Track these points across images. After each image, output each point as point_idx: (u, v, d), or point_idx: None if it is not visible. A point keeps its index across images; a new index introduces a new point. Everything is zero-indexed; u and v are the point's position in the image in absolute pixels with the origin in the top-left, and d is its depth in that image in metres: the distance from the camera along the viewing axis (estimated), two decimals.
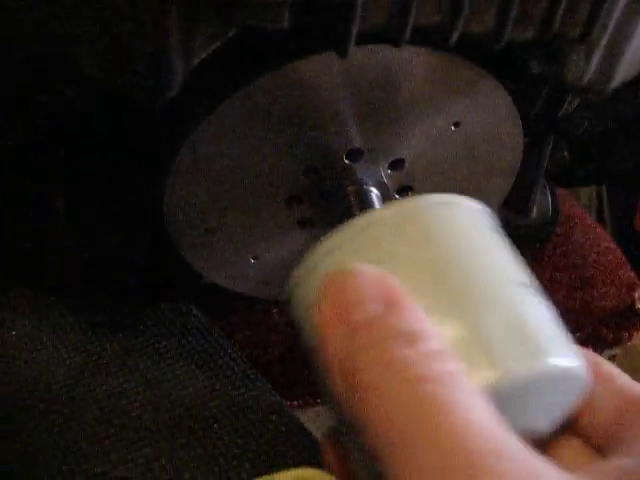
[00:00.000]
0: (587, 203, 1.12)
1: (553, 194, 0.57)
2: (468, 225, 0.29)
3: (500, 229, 0.30)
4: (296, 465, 0.41)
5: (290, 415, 0.44)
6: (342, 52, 0.28)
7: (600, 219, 1.14)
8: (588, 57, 0.33)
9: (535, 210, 0.56)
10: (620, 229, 1.14)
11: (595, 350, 0.60)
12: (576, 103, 0.45)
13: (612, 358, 0.61)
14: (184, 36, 0.29)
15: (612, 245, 0.60)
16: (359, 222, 0.28)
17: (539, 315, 0.27)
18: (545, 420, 0.28)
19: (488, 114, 0.39)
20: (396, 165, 0.40)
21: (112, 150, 0.39)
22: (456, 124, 0.39)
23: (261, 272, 0.45)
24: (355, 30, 0.27)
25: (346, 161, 0.39)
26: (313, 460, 0.41)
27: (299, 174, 0.39)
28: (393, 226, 0.28)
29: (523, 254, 0.58)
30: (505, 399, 0.24)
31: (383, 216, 0.28)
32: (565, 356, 0.26)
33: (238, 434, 0.43)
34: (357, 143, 0.38)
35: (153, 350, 0.46)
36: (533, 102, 0.44)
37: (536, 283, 0.28)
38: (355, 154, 0.39)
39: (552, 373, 0.25)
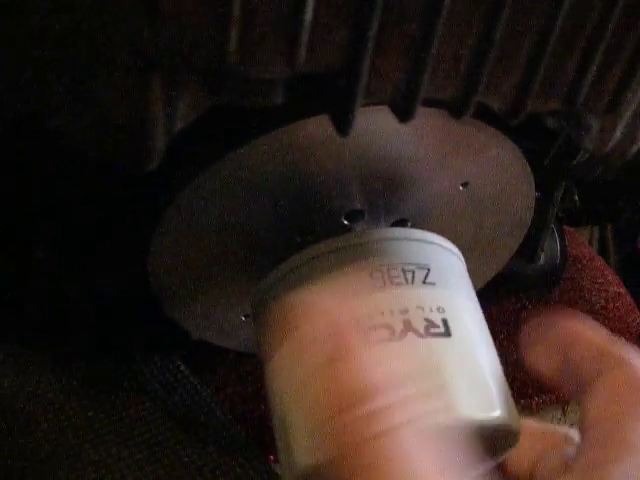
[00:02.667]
0: (589, 227, 1.10)
1: (561, 238, 0.54)
2: None
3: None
4: None
5: None
6: (343, 132, 0.25)
7: (603, 242, 1.12)
8: (612, 127, 0.30)
9: (542, 256, 0.53)
10: (623, 252, 1.12)
11: None
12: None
13: None
14: (166, 104, 0.26)
15: (621, 290, 0.57)
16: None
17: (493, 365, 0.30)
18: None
19: (499, 173, 0.37)
20: (398, 225, 0.37)
21: (95, 205, 0.36)
22: (464, 184, 0.36)
23: (252, 328, 0.42)
24: (357, 109, 0.24)
25: (345, 222, 0.36)
26: None
27: (294, 235, 0.36)
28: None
29: (530, 300, 0.55)
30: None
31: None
32: (509, 412, 0.28)
33: None
34: (357, 204, 0.36)
35: (137, 412, 0.43)
36: (545, 154, 0.41)
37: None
38: (355, 215, 0.36)
39: (497, 424, 0.28)
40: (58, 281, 0.42)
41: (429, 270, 0.31)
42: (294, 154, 0.32)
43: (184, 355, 0.47)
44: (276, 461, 0.48)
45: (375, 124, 0.32)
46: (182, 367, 0.45)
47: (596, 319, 0.55)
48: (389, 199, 0.36)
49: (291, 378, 0.29)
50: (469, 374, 0.28)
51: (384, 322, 0.28)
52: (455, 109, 0.26)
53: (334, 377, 0.25)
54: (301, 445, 0.28)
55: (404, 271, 0.30)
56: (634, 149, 0.33)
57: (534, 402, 0.52)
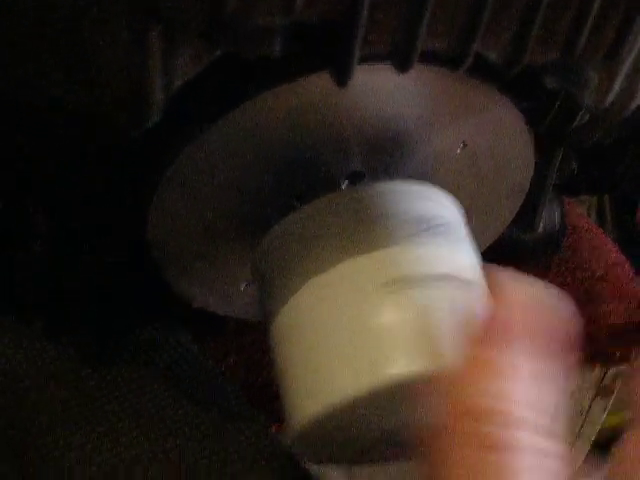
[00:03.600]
0: (588, 200, 1.10)
1: (560, 206, 0.54)
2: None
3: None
4: None
5: (286, 452, 0.41)
6: (341, 82, 0.25)
7: (601, 216, 1.12)
8: (611, 79, 0.30)
9: (541, 224, 0.53)
10: (621, 226, 1.12)
11: (602, 367, 0.58)
12: (588, 116, 0.42)
13: (618, 375, 0.59)
14: (165, 58, 0.26)
15: (620, 258, 0.58)
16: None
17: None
18: None
19: (498, 134, 0.36)
20: None
21: (93, 169, 0.36)
22: (463, 145, 0.36)
23: (253, 295, 0.43)
24: (356, 59, 0.24)
25: (346, 183, 0.36)
26: None
27: (294, 199, 0.36)
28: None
29: (530, 269, 0.55)
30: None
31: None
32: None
33: (229, 470, 0.41)
34: (357, 166, 0.36)
35: (139, 381, 0.44)
36: (544, 116, 0.41)
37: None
38: (355, 177, 0.36)
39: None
40: (55, 252, 0.42)
41: (429, 221, 0.31)
42: (293, 113, 0.32)
43: (185, 325, 0.47)
44: (278, 430, 0.49)
45: (374, 83, 0.32)
46: (183, 336, 0.45)
47: (596, 287, 0.56)
48: (388, 160, 0.36)
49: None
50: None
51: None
52: (453, 60, 0.26)
53: None
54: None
55: (403, 222, 0.30)
56: (633, 104, 0.33)
57: None
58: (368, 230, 0.30)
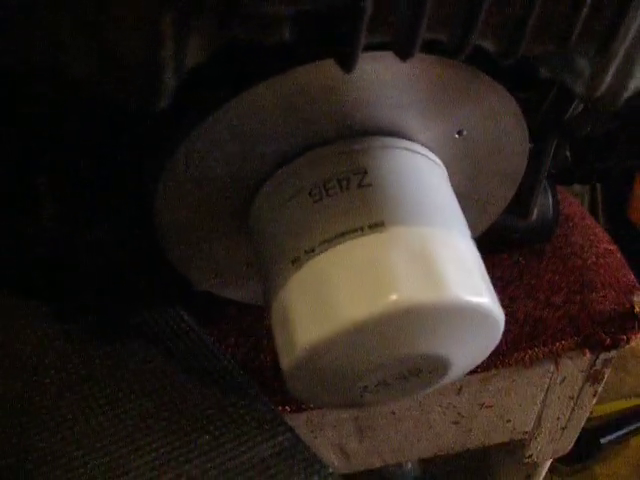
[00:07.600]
0: (580, 192, 1.11)
1: (554, 195, 0.55)
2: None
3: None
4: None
5: (285, 424, 0.42)
6: (347, 68, 0.26)
7: (593, 208, 1.13)
8: (604, 69, 0.31)
9: (535, 212, 0.54)
10: (613, 218, 1.13)
11: (592, 354, 0.59)
12: (582, 106, 0.44)
13: (608, 362, 0.60)
14: (177, 43, 0.27)
15: (611, 247, 0.59)
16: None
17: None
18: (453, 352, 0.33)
19: (493, 122, 0.38)
20: None
21: (101, 151, 0.37)
22: (459, 132, 0.38)
23: (255, 279, 0.44)
24: (361, 46, 0.25)
25: None
26: (309, 469, 0.40)
27: None
28: None
29: (523, 256, 0.56)
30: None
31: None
32: (477, 293, 0.31)
33: (231, 445, 0.42)
34: None
35: (142, 357, 0.45)
36: (538, 106, 0.42)
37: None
38: None
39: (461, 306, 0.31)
40: (61, 233, 0.43)
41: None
42: (295, 100, 0.33)
43: (186, 309, 0.48)
44: (285, 411, 0.50)
45: (374, 72, 0.33)
46: (185, 316, 0.46)
47: (588, 274, 0.57)
48: None
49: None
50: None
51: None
52: (453, 49, 0.27)
53: None
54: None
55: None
56: (625, 95, 0.34)
57: (527, 355, 0.54)
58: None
